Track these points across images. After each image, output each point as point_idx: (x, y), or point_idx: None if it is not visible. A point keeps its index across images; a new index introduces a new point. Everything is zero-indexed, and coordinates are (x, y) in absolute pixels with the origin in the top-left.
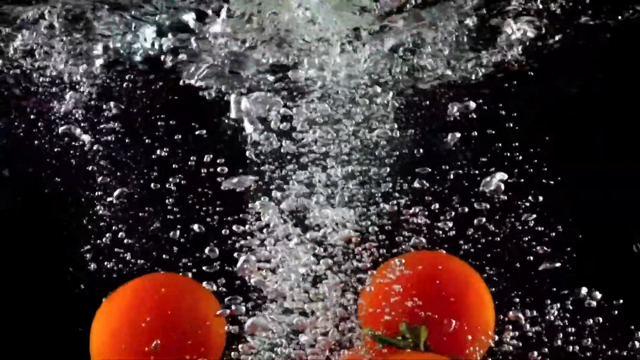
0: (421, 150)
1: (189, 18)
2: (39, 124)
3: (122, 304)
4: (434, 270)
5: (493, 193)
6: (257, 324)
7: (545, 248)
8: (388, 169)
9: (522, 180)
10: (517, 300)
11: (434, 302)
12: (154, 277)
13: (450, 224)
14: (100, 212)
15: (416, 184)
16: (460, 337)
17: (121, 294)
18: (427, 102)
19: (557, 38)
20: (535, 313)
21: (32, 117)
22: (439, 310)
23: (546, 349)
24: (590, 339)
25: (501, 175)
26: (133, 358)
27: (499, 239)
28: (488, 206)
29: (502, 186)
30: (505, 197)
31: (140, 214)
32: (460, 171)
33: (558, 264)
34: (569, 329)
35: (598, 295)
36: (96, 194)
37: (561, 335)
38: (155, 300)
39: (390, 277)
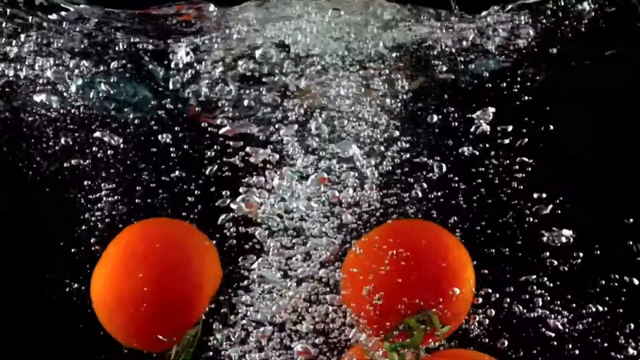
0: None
1: None
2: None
3: (120, 248)
4: (410, 240)
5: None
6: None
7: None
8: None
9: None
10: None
11: (415, 272)
12: (149, 222)
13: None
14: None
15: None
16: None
17: (118, 240)
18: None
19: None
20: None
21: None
22: (421, 278)
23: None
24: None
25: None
26: (131, 297)
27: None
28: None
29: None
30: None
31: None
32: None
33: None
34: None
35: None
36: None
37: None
38: (149, 243)
39: (367, 256)
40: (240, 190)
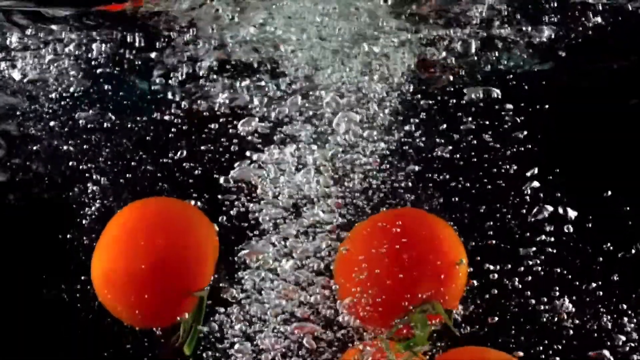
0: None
1: None
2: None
3: (119, 224)
4: (402, 229)
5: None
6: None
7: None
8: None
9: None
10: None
11: (409, 261)
12: (146, 200)
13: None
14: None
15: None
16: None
17: (117, 218)
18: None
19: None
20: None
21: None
22: (416, 267)
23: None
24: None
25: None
26: (134, 271)
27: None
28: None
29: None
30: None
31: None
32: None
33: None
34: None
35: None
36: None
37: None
38: (149, 218)
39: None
40: (236, 165)
